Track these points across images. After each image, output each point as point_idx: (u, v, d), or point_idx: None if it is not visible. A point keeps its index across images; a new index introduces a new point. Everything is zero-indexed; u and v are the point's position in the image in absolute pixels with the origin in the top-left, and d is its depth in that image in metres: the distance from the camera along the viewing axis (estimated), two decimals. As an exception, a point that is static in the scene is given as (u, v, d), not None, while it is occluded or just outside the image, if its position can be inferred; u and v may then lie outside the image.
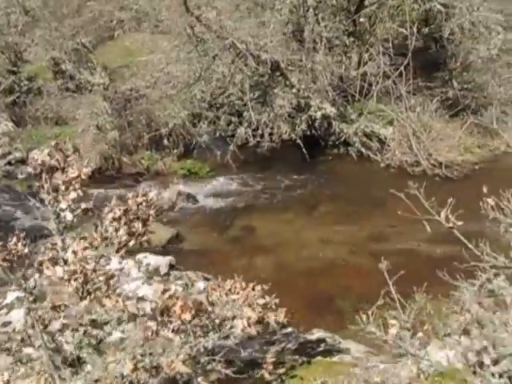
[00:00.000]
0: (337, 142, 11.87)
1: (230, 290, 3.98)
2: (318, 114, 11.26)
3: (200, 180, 11.05)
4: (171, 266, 6.42)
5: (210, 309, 3.68)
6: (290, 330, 5.05)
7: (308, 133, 11.75)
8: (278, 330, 4.60)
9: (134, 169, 11.42)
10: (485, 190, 3.50)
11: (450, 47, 12.27)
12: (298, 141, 11.40)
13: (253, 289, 4.03)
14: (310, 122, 11.58)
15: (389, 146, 11.53)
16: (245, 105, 11.25)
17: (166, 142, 11.88)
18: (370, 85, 11.71)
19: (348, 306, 6.79)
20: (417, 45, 12.69)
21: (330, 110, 11.17)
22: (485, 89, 12.35)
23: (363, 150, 11.57)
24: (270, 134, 11.11)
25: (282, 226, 9.11)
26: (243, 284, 4.02)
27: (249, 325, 3.76)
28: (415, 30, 11.14)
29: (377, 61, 11.40)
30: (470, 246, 3.42)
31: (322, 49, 11.62)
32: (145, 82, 11.50)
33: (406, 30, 11.06)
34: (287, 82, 11.16)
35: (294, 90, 11.11)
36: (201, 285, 5.50)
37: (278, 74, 11.22)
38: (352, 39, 11.56)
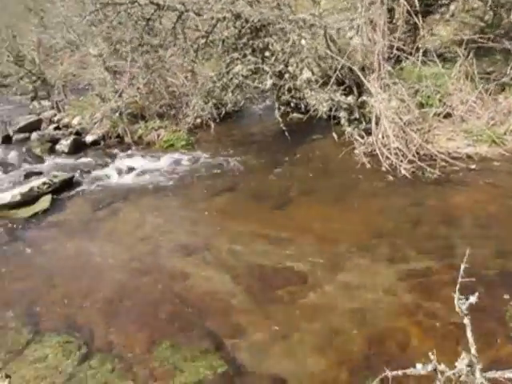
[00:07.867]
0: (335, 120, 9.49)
1: None
2: (297, 82, 9.19)
3: (172, 152, 10.46)
4: None
5: None
6: None
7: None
8: None
9: (131, 139, 11.46)
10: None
11: None
12: (277, 115, 9.61)
13: None
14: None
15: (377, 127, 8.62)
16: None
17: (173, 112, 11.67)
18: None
19: None
20: None
21: (307, 77, 8.94)
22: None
23: (349, 129, 8.95)
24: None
25: (166, 217, 8.00)
26: None
27: None
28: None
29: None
30: None
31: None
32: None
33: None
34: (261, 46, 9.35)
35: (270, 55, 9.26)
36: None
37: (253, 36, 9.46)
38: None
